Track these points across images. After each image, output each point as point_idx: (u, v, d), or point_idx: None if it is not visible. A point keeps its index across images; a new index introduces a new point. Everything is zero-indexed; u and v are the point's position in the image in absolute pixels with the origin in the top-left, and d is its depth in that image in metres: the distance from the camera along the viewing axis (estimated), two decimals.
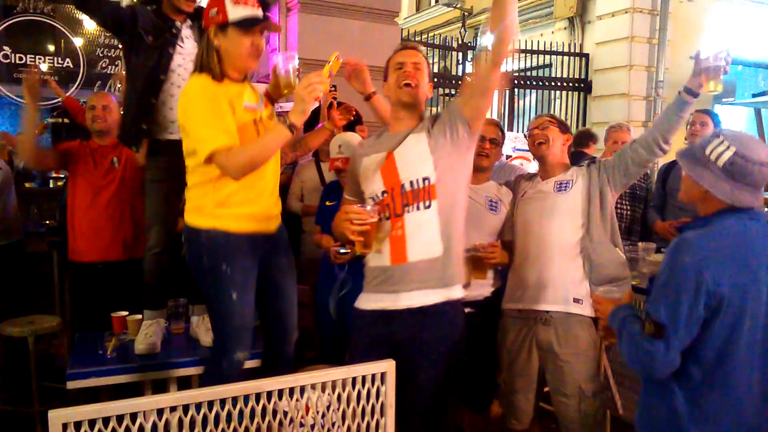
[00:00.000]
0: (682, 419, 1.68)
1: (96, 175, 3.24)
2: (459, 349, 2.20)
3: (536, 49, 7.71)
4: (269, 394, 1.64)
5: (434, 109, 8.00)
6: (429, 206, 2.10)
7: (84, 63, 7.17)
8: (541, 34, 8.56)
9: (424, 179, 2.11)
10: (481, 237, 2.51)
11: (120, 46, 7.04)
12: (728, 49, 2.26)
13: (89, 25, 6.95)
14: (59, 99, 5.53)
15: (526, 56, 7.68)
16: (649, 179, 4.24)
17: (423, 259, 2.11)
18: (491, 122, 2.75)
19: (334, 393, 1.73)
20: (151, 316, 2.70)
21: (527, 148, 3.14)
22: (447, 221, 2.13)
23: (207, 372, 2.39)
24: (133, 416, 1.48)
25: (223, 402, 1.58)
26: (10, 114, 7.83)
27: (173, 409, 1.53)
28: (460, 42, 7.57)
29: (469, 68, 7.43)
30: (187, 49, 2.63)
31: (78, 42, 7.20)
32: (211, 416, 1.57)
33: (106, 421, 1.45)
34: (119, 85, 6.94)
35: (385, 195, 2.14)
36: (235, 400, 1.60)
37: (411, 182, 2.12)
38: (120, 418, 1.47)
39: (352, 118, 2.83)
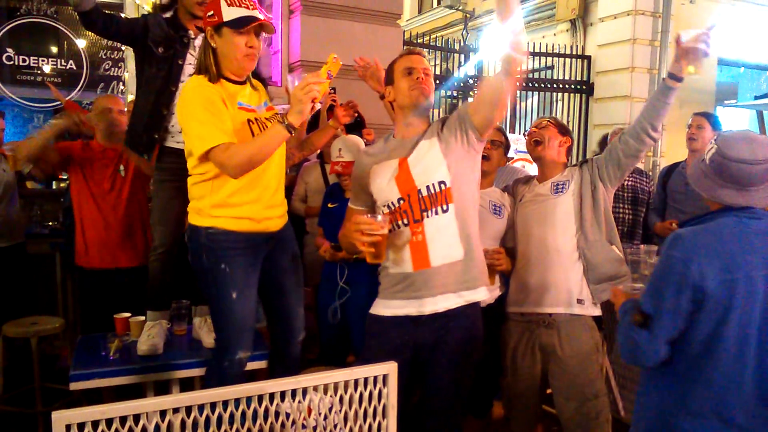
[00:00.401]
0: (670, 413, 1.70)
1: (101, 179, 3.25)
2: (479, 350, 2.23)
3: (538, 51, 7.71)
4: (271, 395, 1.64)
5: (437, 111, 8.01)
6: (447, 210, 2.11)
7: (87, 65, 7.18)
8: (543, 36, 8.56)
9: (440, 183, 2.12)
10: (483, 242, 2.50)
11: (123, 48, 7.07)
12: (711, 30, 2.20)
13: None
14: (60, 102, 5.54)
15: (527, 58, 7.67)
16: (650, 182, 4.24)
17: (445, 263, 2.12)
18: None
19: (336, 395, 1.73)
20: (154, 318, 2.71)
21: None
22: (464, 223, 2.14)
23: (209, 372, 2.39)
24: (136, 417, 1.49)
25: (225, 403, 1.59)
26: (13, 116, 7.85)
27: (176, 410, 1.54)
28: (462, 44, 7.56)
29: (470, 70, 7.43)
30: (194, 57, 2.63)
31: (81, 44, 7.21)
32: (214, 418, 1.57)
33: (109, 422, 1.45)
34: (122, 88, 6.96)
35: (402, 202, 2.13)
36: (237, 401, 1.60)
37: (428, 187, 2.12)
38: (123, 420, 1.47)
39: (356, 114, 2.84)
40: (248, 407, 1.61)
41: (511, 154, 5.32)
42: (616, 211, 3.95)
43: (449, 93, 7.46)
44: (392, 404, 1.80)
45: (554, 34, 8.65)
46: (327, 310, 3.16)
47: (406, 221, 2.12)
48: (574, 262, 2.44)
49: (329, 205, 3.22)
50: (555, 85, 7.87)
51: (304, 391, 1.69)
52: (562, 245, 2.45)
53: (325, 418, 1.72)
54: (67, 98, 6.63)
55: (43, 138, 3.14)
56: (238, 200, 2.20)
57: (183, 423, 1.54)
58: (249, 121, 2.20)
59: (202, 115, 2.11)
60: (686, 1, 7.57)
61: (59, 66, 7.12)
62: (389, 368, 1.80)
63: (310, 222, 3.83)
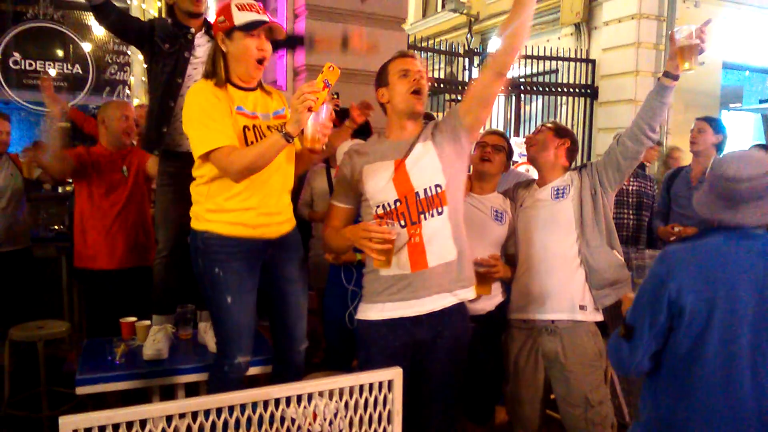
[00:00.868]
0: (656, 427, 1.71)
1: (106, 183, 3.28)
2: (467, 346, 2.29)
3: (542, 55, 7.72)
4: (277, 401, 1.65)
5: (440, 115, 8.01)
6: (441, 212, 2.14)
7: (93, 69, 7.21)
8: (548, 40, 8.57)
9: (436, 186, 2.14)
10: (485, 248, 2.51)
11: (129, 53, 7.11)
12: (706, 26, 2.17)
13: (98, 31, 6.99)
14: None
15: (532, 62, 7.69)
16: (654, 187, 4.24)
17: (441, 264, 2.15)
18: (493, 132, 2.78)
19: (341, 400, 1.74)
20: (159, 322, 2.72)
21: None
22: (456, 225, 2.18)
23: (210, 376, 2.40)
24: (143, 422, 1.49)
25: (231, 409, 1.59)
26: (20, 120, 7.89)
27: (182, 415, 1.54)
28: (466, 48, 7.57)
29: (475, 74, 7.43)
30: (199, 57, 2.67)
31: (87, 48, 7.24)
32: (220, 423, 1.58)
33: (116, 427, 1.46)
34: (128, 92, 7.00)
35: (399, 204, 2.15)
36: (243, 406, 1.61)
37: (425, 190, 2.14)
38: (129, 425, 1.48)
39: (371, 113, 2.85)
40: (254, 413, 1.62)
41: (515, 158, 5.33)
42: (620, 216, 3.95)
43: (453, 96, 7.46)
44: (397, 410, 1.80)
45: (558, 38, 8.66)
46: (332, 313, 3.16)
47: (403, 223, 2.14)
48: (575, 268, 2.43)
49: None
50: (559, 89, 7.87)
51: (309, 397, 1.70)
52: (563, 251, 2.44)
53: (331, 423, 1.73)
54: (72, 102, 6.68)
55: (55, 147, 3.16)
56: (233, 206, 2.20)
57: (189, 428, 1.54)
58: (245, 127, 2.20)
59: (201, 117, 2.14)
60: (691, 5, 7.58)
61: (65, 70, 7.15)
62: (394, 374, 1.80)
63: (316, 226, 3.84)
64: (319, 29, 4.87)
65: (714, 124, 3.93)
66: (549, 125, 2.63)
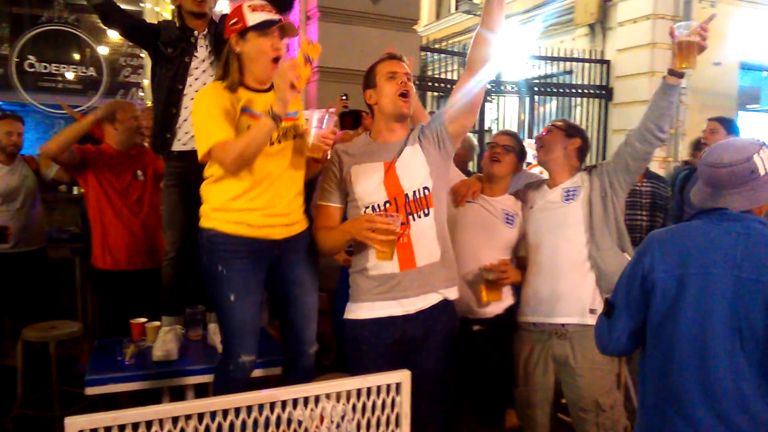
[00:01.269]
0: (646, 412, 1.74)
1: (120, 183, 3.28)
2: (456, 342, 2.35)
3: (556, 56, 7.67)
4: (283, 403, 1.63)
5: None
6: (428, 214, 2.20)
7: (107, 71, 7.28)
8: (562, 41, 8.51)
9: (424, 188, 2.20)
10: (494, 251, 2.48)
11: (142, 55, 7.17)
12: (708, 23, 2.13)
13: (112, 34, 7.08)
14: (81, 108, 5.63)
15: (546, 63, 7.65)
16: (668, 188, 4.18)
17: (427, 264, 2.21)
18: (504, 132, 2.75)
19: (348, 403, 1.72)
20: (169, 323, 2.72)
21: None
22: (441, 226, 2.25)
23: (216, 376, 2.39)
24: (149, 424, 1.49)
25: (237, 410, 1.58)
26: (36, 122, 7.97)
27: (188, 417, 1.53)
28: None
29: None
30: (200, 57, 2.68)
31: (101, 51, 7.32)
32: (226, 425, 1.56)
33: (121, 428, 1.45)
34: (141, 94, 7.05)
35: (389, 205, 2.19)
36: (249, 408, 1.60)
37: (414, 192, 2.19)
38: (135, 426, 1.47)
39: (347, 108, 2.84)
40: (260, 414, 1.61)
41: (530, 159, 5.29)
42: (633, 217, 3.90)
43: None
44: (405, 413, 1.78)
45: (573, 39, 8.59)
46: (343, 315, 3.14)
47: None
48: (586, 272, 2.40)
49: None
50: (573, 90, 7.82)
51: (317, 399, 1.68)
52: (573, 254, 2.41)
53: (338, 426, 1.71)
54: (87, 104, 6.75)
55: (79, 129, 3.14)
56: (239, 205, 2.21)
57: (195, 430, 1.54)
58: (249, 127, 2.18)
59: (205, 116, 2.15)
60: (707, 5, 7.48)
61: (80, 73, 7.23)
62: (402, 377, 1.78)
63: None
64: (331, 31, 4.87)
65: (727, 124, 3.88)
66: (558, 124, 2.58)
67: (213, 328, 2.81)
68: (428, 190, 2.20)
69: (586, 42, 8.39)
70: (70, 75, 7.18)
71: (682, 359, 1.62)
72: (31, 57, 7.06)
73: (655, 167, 5.36)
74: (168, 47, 2.67)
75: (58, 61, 7.24)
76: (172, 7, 2.91)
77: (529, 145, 4.76)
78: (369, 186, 2.21)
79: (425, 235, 2.20)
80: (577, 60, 7.82)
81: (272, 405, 1.62)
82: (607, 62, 7.99)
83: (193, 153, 2.61)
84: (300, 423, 1.66)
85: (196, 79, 2.66)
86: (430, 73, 7.85)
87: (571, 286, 2.40)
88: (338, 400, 1.71)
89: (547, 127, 2.59)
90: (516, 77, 7.83)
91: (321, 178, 2.36)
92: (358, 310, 2.26)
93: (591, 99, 7.90)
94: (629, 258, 2.41)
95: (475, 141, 4.82)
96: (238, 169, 2.14)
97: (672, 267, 1.65)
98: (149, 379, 2.52)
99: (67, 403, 3.42)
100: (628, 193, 2.50)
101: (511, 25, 8.93)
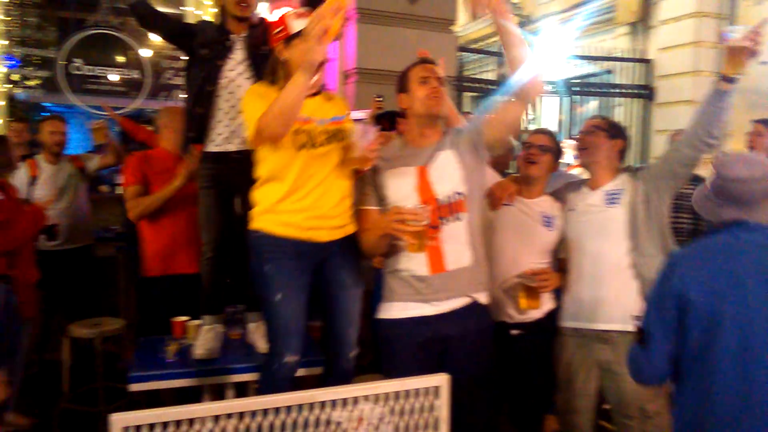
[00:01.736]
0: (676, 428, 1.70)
1: (163, 187, 3.29)
2: (492, 342, 2.35)
3: (597, 55, 7.56)
4: (322, 404, 1.65)
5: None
6: (460, 219, 2.21)
7: (150, 74, 7.43)
8: (602, 40, 8.37)
9: (457, 193, 2.21)
10: (533, 255, 2.45)
11: (184, 58, 7.31)
12: (760, 27, 2.04)
13: (155, 37, 7.21)
14: (124, 109, 5.77)
15: (586, 63, 7.54)
16: None
17: (458, 268, 2.22)
18: (539, 131, 2.69)
19: (387, 405, 1.72)
20: (209, 322, 2.77)
21: None
22: (473, 232, 2.25)
23: (261, 375, 2.43)
24: (191, 422, 1.52)
25: (277, 410, 1.60)
26: (82, 123, 8.18)
27: (229, 416, 1.56)
28: None
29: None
30: (235, 60, 2.71)
31: (144, 53, 7.47)
32: (266, 424, 1.58)
33: (164, 425, 1.49)
34: (183, 96, 7.18)
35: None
36: (289, 409, 1.61)
37: (447, 197, 2.21)
38: (178, 423, 1.50)
39: (381, 109, 2.83)
40: (299, 414, 1.62)
41: (569, 160, 5.22)
42: (677, 221, 3.81)
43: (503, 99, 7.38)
44: (444, 417, 1.77)
45: (613, 38, 8.45)
46: None
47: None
48: (629, 278, 2.35)
49: None
50: (614, 90, 7.69)
51: (355, 400, 1.69)
52: (616, 260, 2.36)
53: (376, 428, 1.71)
54: (131, 106, 6.90)
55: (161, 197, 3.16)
56: (285, 207, 2.25)
57: (236, 429, 1.56)
58: (295, 131, 2.20)
59: (252, 106, 2.19)
60: (752, 3, 7.27)
61: (124, 75, 7.40)
62: (441, 380, 1.77)
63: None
64: (368, 33, 4.89)
65: None
66: (600, 124, 2.51)
67: (252, 327, 2.84)
68: (461, 195, 2.21)
69: (627, 41, 8.24)
70: (114, 77, 7.35)
71: (726, 379, 1.58)
72: (77, 60, 7.24)
73: (700, 168, 5.22)
74: (203, 48, 2.72)
75: (103, 64, 7.41)
76: (214, 10, 2.96)
77: (569, 146, 4.70)
78: (402, 191, 2.23)
79: (457, 240, 2.22)
80: (618, 59, 7.69)
81: (311, 406, 1.63)
82: (649, 61, 7.83)
83: (226, 155, 2.67)
84: (339, 424, 1.67)
85: (231, 81, 2.69)
86: (467, 73, 7.80)
87: (614, 293, 2.35)
88: (377, 402, 1.72)
89: (588, 127, 2.52)
90: (555, 77, 7.73)
91: (357, 183, 2.37)
92: (390, 310, 2.28)
93: (632, 99, 7.76)
94: None
95: (515, 142, 4.77)
96: (282, 129, 2.12)
97: (705, 282, 1.61)
98: (191, 377, 2.56)
99: (111, 398, 3.50)
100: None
101: (550, 24, 8.83)
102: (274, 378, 2.28)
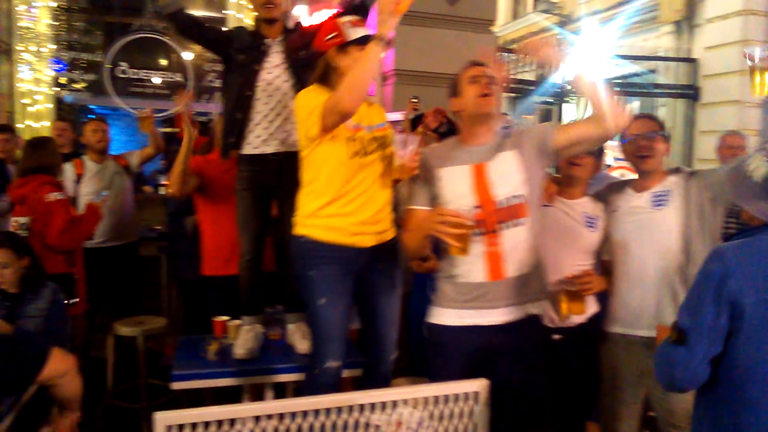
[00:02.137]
0: None
1: (220, 189, 3.23)
2: (543, 355, 2.28)
3: (640, 54, 7.42)
4: (361, 407, 1.65)
5: (530, 117, 7.83)
6: (522, 223, 2.13)
7: (193, 77, 7.57)
8: (646, 39, 8.21)
9: (518, 196, 2.13)
10: (575, 256, 2.40)
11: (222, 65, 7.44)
12: None
13: None
14: (168, 111, 5.87)
15: (629, 62, 7.40)
16: None
17: (518, 275, 2.14)
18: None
19: (426, 410, 1.72)
20: (249, 322, 2.80)
21: None
22: (534, 237, 2.18)
23: (305, 379, 2.45)
24: (232, 422, 1.54)
25: (317, 412, 1.61)
26: (126, 125, 8.38)
27: (269, 416, 1.58)
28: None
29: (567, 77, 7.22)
30: (272, 63, 2.74)
31: (187, 57, 7.61)
32: (305, 426, 1.60)
33: (206, 425, 1.51)
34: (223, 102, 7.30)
35: (478, 210, 2.13)
36: (328, 411, 1.62)
37: (506, 199, 2.13)
38: (219, 423, 1.53)
39: (445, 120, 2.82)
40: (338, 417, 1.63)
41: (610, 162, 5.13)
42: (726, 227, 3.71)
43: (544, 99, 7.30)
44: (483, 423, 1.76)
45: (657, 37, 8.27)
46: (417, 320, 3.14)
47: (481, 230, 2.11)
48: (677, 283, 2.28)
49: None
50: (658, 90, 7.54)
51: (394, 404, 1.69)
52: (664, 265, 2.29)
53: None
54: (174, 109, 7.03)
55: (182, 160, 3.06)
56: (330, 212, 2.25)
57: (275, 430, 1.58)
58: (348, 138, 2.23)
59: (309, 100, 2.21)
60: None
61: (167, 78, 7.55)
62: (480, 385, 1.76)
63: (399, 231, 3.83)
64: (408, 34, 4.88)
65: None
66: (657, 128, 2.42)
67: (292, 327, 2.87)
68: (522, 199, 2.13)
69: (671, 40, 8.06)
70: (157, 80, 7.51)
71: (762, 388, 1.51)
72: (122, 63, 7.42)
73: None
74: (240, 54, 2.75)
75: (147, 67, 7.59)
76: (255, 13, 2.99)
77: (611, 148, 4.61)
78: (458, 189, 2.18)
79: (518, 246, 2.14)
80: (662, 59, 7.54)
81: (350, 408, 1.64)
82: (694, 60, 7.65)
83: (263, 156, 2.69)
84: (378, 428, 1.67)
85: (269, 84, 2.72)
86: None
87: (662, 300, 2.28)
88: (415, 406, 1.71)
89: (646, 132, 2.38)
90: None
91: (408, 183, 2.38)
92: (443, 316, 2.23)
93: (677, 99, 7.60)
94: None
95: None
96: (355, 101, 2.14)
97: (758, 292, 1.52)
98: (231, 377, 2.59)
99: (153, 395, 3.57)
100: None
101: (593, 23, 8.69)
102: (316, 383, 2.29)
